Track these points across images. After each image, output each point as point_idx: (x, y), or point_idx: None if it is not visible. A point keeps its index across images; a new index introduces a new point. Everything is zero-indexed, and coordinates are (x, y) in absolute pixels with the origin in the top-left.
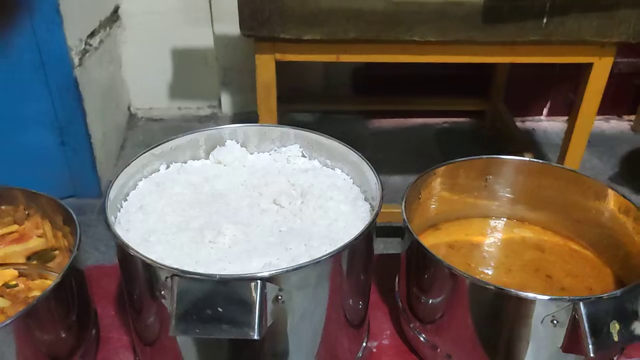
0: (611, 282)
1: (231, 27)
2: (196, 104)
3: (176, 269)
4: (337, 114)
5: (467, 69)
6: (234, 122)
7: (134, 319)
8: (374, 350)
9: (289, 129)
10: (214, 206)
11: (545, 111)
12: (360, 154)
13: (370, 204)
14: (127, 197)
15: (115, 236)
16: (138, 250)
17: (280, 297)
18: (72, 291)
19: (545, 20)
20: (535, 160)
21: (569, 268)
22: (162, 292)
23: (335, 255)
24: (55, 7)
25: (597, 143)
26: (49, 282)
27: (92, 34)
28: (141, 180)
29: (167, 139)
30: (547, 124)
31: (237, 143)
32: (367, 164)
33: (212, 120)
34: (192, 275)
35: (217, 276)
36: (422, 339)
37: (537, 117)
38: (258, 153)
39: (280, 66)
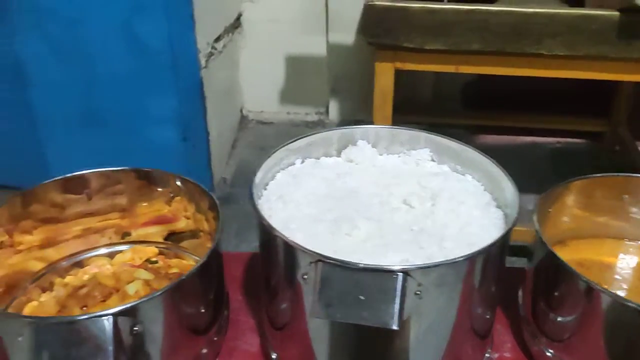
0: None
1: (345, 36)
2: (304, 110)
3: (323, 255)
4: (445, 127)
5: (585, 86)
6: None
7: (267, 302)
8: None
9: (419, 132)
10: (347, 201)
11: None
12: (494, 162)
13: (503, 211)
14: (266, 187)
15: (262, 220)
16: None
17: (419, 292)
18: (213, 272)
19: None
20: None
21: None
22: (305, 277)
23: (474, 258)
24: (190, 13)
25: None
26: (185, 262)
27: (217, 39)
28: (279, 172)
29: (302, 135)
30: None
31: (368, 143)
32: (503, 171)
33: (319, 126)
34: (338, 262)
35: (362, 265)
36: (548, 354)
37: None
38: (387, 155)
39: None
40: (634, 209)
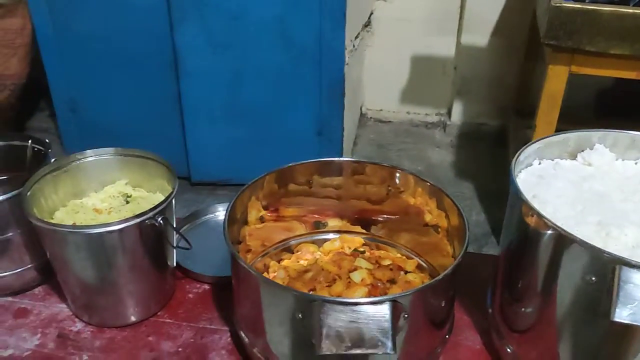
0: None
1: (479, 37)
2: (425, 110)
3: (623, 258)
4: None
5: None
6: (463, 132)
7: (508, 300)
8: None
9: None
10: (601, 206)
11: None
12: None
13: None
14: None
15: (540, 216)
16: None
17: None
18: (460, 270)
19: None
20: None
21: None
22: (592, 278)
23: None
24: (343, 10)
25: None
26: (391, 253)
27: (356, 37)
28: (521, 171)
29: (544, 137)
30: None
31: (606, 147)
32: None
33: (438, 127)
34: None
35: None
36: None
37: None
38: (624, 160)
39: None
40: None
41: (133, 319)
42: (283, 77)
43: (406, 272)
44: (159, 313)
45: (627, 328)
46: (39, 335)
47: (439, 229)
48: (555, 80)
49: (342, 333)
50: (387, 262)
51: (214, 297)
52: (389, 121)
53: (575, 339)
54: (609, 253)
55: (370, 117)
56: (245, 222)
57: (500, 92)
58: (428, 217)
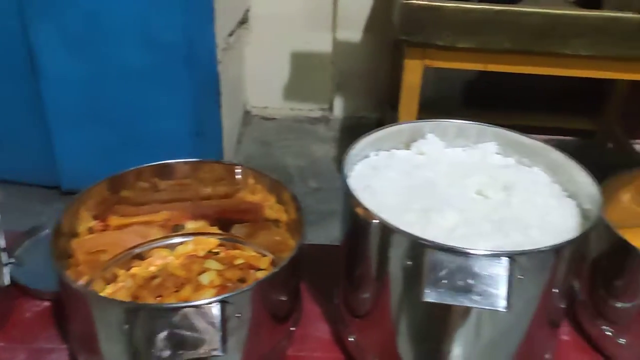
0: None
1: (353, 33)
2: (308, 106)
3: (433, 241)
4: None
5: (577, 85)
6: (345, 126)
7: (349, 290)
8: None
9: (486, 127)
10: (427, 192)
11: None
12: (567, 154)
13: (574, 200)
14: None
15: (361, 207)
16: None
17: (521, 276)
18: (298, 264)
19: None
20: None
21: None
22: (409, 262)
23: (570, 243)
24: (211, 6)
25: None
26: (247, 253)
27: (230, 34)
28: (356, 164)
29: (378, 129)
30: None
31: (437, 137)
32: (578, 165)
33: (322, 122)
34: (447, 248)
35: (471, 250)
36: (608, 333)
37: None
38: (453, 148)
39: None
40: None
41: None
42: (151, 77)
43: (259, 270)
44: None
45: (447, 307)
46: None
47: (280, 224)
48: (412, 74)
49: (169, 340)
50: (239, 262)
51: (54, 314)
52: (274, 118)
53: (406, 322)
54: (418, 237)
55: (255, 115)
56: (76, 235)
57: (376, 86)
58: (268, 213)
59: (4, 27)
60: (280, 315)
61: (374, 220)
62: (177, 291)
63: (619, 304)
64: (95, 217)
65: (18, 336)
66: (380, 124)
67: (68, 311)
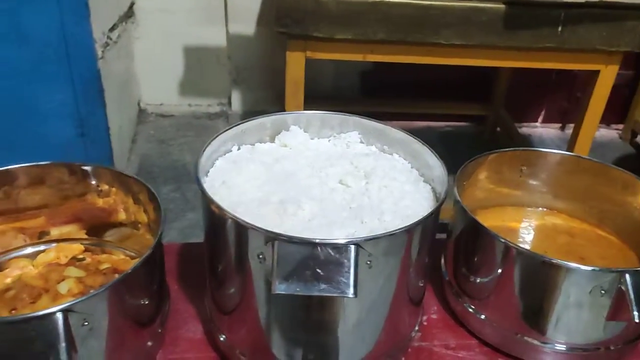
0: (637, 264)
1: (246, 26)
2: (206, 102)
3: (280, 233)
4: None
5: (469, 74)
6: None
7: (214, 287)
8: (425, 324)
9: (349, 117)
10: (287, 184)
11: (540, 118)
12: (421, 141)
13: (430, 185)
14: (207, 174)
15: (214, 204)
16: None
17: (369, 262)
18: (157, 263)
19: (560, 29)
20: (567, 153)
21: (599, 251)
22: (261, 256)
23: (416, 226)
24: (84, 1)
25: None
26: (115, 257)
27: (112, 28)
28: (217, 159)
29: (237, 122)
30: (542, 130)
31: (300, 128)
32: (430, 150)
33: (221, 117)
34: (294, 240)
35: (317, 240)
36: (470, 310)
37: (532, 124)
38: (318, 138)
39: None
40: (531, 180)
41: None
42: (25, 76)
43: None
44: None
45: (306, 297)
46: None
47: (139, 225)
48: (295, 66)
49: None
50: (104, 267)
51: None
52: (171, 115)
53: (270, 315)
54: (268, 231)
55: (151, 112)
56: None
57: (274, 79)
58: (122, 216)
59: None
60: (142, 318)
61: (228, 218)
62: (33, 302)
63: (477, 281)
64: None
65: None
66: None
67: None
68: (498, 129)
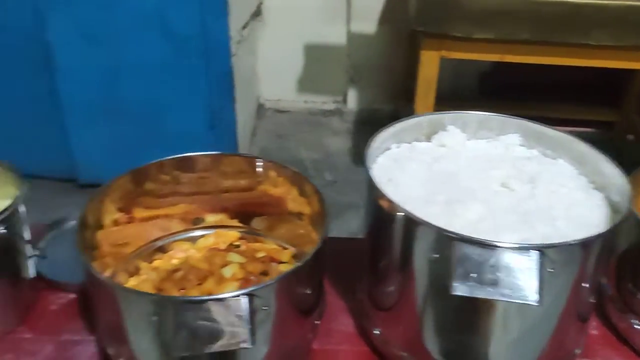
0: None
1: (367, 25)
2: (322, 99)
3: (462, 234)
4: None
5: (596, 77)
6: (359, 118)
7: (373, 282)
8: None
9: (509, 118)
10: (449, 184)
11: None
12: (594, 147)
13: (601, 193)
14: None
15: (386, 200)
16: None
17: (551, 270)
18: (323, 256)
19: None
20: None
21: None
22: (435, 255)
23: (602, 235)
24: (225, 0)
25: None
26: (267, 245)
27: (244, 26)
28: (378, 156)
29: (396, 121)
30: None
31: (458, 129)
32: (604, 156)
33: (336, 115)
34: (476, 241)
35: (500, 243)
36: (637, 327)
37: None
38: (476, 140)
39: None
40: None
41: None
42: (166, 71)
43: (281, 263)
44: (17, 329)
45: (475, 300)
46: None
47: (303, 217)
48: (428, 65)
49: (198, 332)
50: (261, 254)
51: (80, 306)
52: (288, 111)
53: (432, 315)
54: (446, 230)
55: (269, 108)
56: (100, 227)
57: (391, 78)
58: (291, 205)
59: (19, 21)
60: (306, 308)
61: (398, 213)
62: (199, 284)
63: None
64: (120, 210)
65: (44, 328)
66: (395, 116)
67: (95, 303)
68: (629, 136)
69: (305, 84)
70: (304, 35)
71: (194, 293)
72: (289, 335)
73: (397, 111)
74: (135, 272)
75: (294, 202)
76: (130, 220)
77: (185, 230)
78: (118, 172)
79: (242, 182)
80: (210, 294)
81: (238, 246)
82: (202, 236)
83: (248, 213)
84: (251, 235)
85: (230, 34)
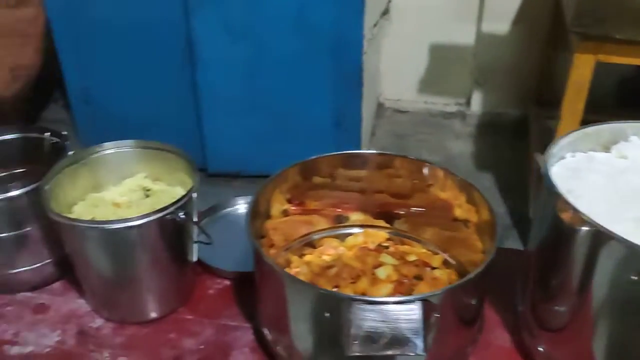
0: None
1: (499, 25)
2: (443, 100)
3: None
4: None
5: None
6: (482, 122)
7: (540, 299)
8: None
9: None
10: (638, 201)
11: None
12: None
13: None
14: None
15: (576, 212)
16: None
17: None
18: (494, 267)
19: None
20: None
21: None
22: (634, 278)
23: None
24: None
25: None
26: (416, 249)
27: (375, 24)
28: (553, 165)
29: (577, 129)
30: None
31: None
32: None
33: (457, 117)
34: None
35: None
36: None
37: None
38: None
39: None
40: None
41: (153, 315)
42: (299, 66)
43: (432, 268)
44: (179, 309)
45: None
46: (58, 332)
47: (469, 224)
48: (582, 69)
49: (371, 333)
50: (412, 258)
51: (235, 293)
52: (407, 111)
53: (612, 337)
54: None
55: (388, 107)
56: (268, 216)
57: (520, 81)
58: (458, 212)
59: (167, 16)
60: (469, 319)
61: (585, 227)
62: (353, 282)
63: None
64: (288, 201)
65: (204, 311)
66: (521, 121)
67: (261, 290)
68: None
69: (427, 84)
70: (430, 34)
71: (348, 291)
72: (450, 345)
73: (524, 116)
74: (286, 264)
75: (461, 208)
76: (302, 212)
77: (331, 228)
78: (245, 162)
79: (409, 184)
80: (364, 294)
81: (387, 247)
82: (349, 234)
83: (393, 214)
84: (397, 236)
85: (364, 32)
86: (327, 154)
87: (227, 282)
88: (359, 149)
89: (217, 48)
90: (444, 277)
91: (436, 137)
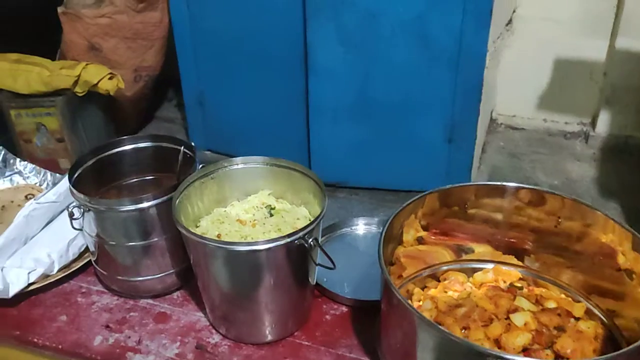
0: None
1: (637, 42)
2: (564, 119)
3: None
4: None
5: None
6: (607, 145)
7: None
8: None
9: None
10: None
11: None
12: None
13: None
14: None
15: None
16: None
17: None
18: None
19: None
20: None
21: None
22: None
23: None
24: (489, 9)
25: None
26: (552, 292)
27: (498, 37)
28: None
29: None
30: None
31: None
32: None
33: (579, 137)
34: None
35: None
36: None
37: None
38: None
39: None
40: None
41: (270, 337)
42: (415, 79)
43: (575, 318)
44: (295, 333)
45: None
46: (178, 344)
47: (634, 275)
48: None
49: None
50: (551, 305)
51: (353, 322)
52: (522, 128)
53: None
54: None
55: (501, 123)
56: (400, 242)
57: None
58: (621, 260)
59: (286, 27)
60: None
61: None
62: (485, 325)
63: None
64: (424, 228)
65: (321, 338)
66: None
67: (388, 325)
68: None
69: (548, 100)
70: (554, 47)
71: (479, 335)
72: None
73: None
74: (407, 296)
75: (625, 256)
76: (439, 241)
77: (457, 261)
78: (350, 173)
79: (568, 225)
80: (498, 340)
81: (520, 288)
82: (476, 269)
83: (521, 250)
84: (529, 276)
85: (488, 45)
86: (467, 184)
87: (344, 309)
88: (471, 168)
89: (331, 58)
90: (591, 331)
91: (554, 158)
